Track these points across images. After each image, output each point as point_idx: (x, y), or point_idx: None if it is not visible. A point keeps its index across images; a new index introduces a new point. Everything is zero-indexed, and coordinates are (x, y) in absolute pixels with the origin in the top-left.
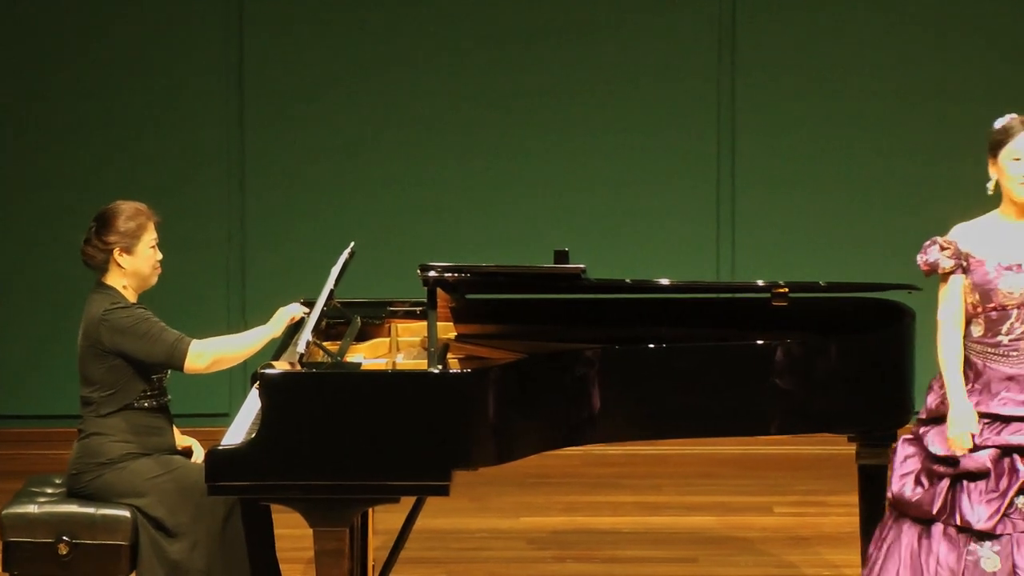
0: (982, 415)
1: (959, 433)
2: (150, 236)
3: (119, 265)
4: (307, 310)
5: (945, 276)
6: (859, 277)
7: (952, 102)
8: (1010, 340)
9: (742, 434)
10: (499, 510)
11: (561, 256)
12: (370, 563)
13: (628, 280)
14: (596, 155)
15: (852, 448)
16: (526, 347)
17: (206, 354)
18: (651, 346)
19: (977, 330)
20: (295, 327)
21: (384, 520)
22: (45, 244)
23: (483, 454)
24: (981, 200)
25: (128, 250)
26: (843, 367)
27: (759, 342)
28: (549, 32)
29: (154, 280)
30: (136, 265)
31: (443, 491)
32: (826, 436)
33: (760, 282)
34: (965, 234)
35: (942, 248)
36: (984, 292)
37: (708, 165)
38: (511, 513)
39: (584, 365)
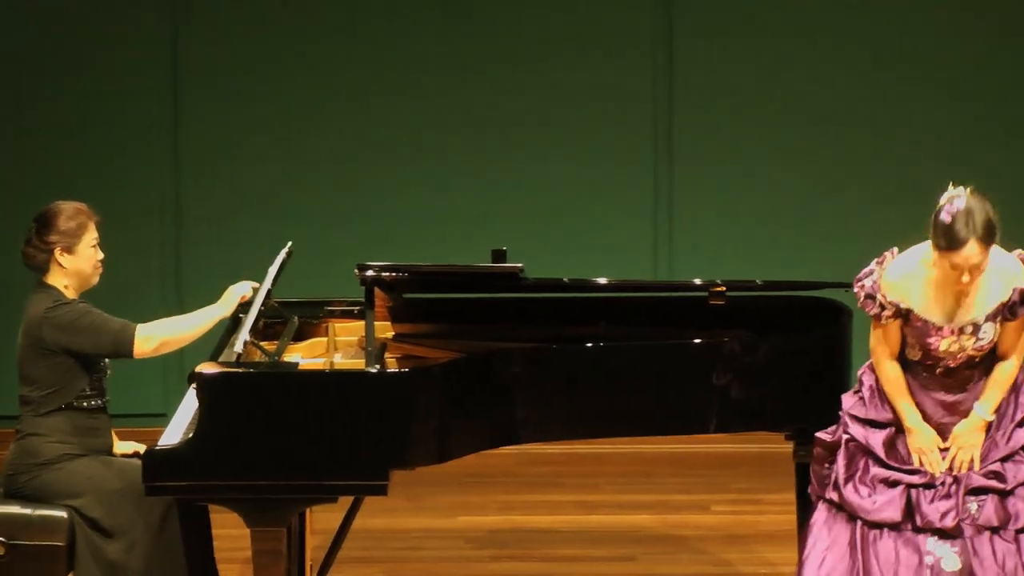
0: None
1: (931, 462)
2: (91, 235)
3: (60, 265)
4: (256, 285)
5: (885, 324)
6: (797, 276)
7: (880, 109)
8: (946, 369)
9: (680, 432)
10: (436, 509)
11: (499, 255)
12: (308, 563)
13: (566, 279)
14: (534, 155)
15: (789, 446)
16: (464, 346)
17: (154, 337)
18: (589, 345)
19: (914, 355)
20: (232, 327)
21: (322, 520)
22: None
23: (421, 453)
24: (902, 205)
25: (69, 249)
26: (781, 365)
27: (696, 340)
28: (489, 37)
29: (95, 280)
30: (77, 264)
31: (381, 491)
32: (763, 434)
33: (698, 281)
34: (903, 287)
35: (882, 306)
36: (924, 348)
37: (646, 166)
38: (448, 512)
39: (522, 364)
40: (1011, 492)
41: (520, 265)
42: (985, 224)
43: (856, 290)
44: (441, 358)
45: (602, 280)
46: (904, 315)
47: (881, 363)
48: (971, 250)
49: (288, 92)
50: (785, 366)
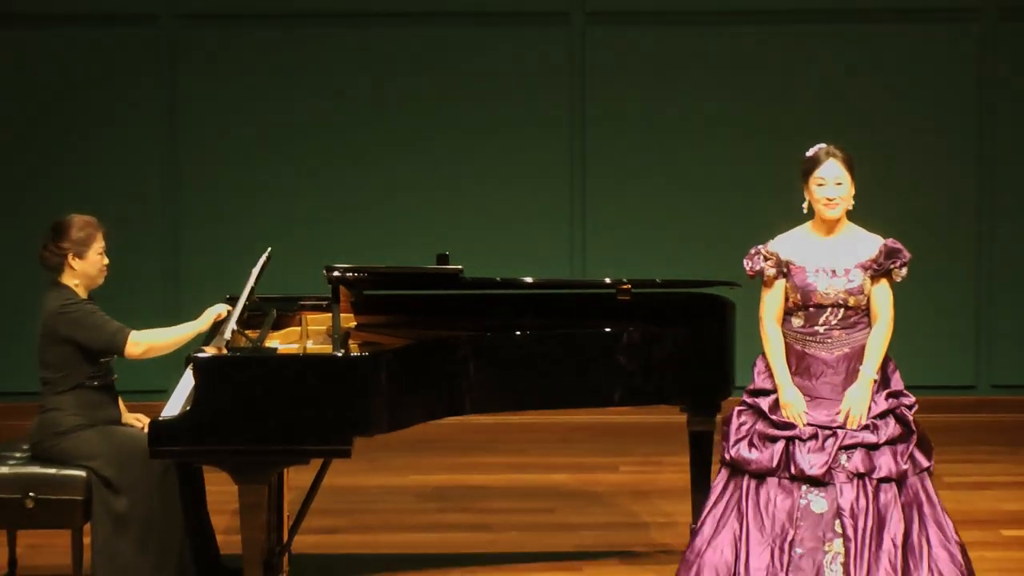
0: (810, 396)
1: (795, 414)
2: (99, 244)
3: (72, 268)
4: (230, 308)
5: (769, 281)
6: (690, 275)
7: (766, 123)
8: (825, 330)
9: (593, 406)
10: (391, 470)
11: (442, 258)
12: (285, 514)
13: (498, 279)
14: (472, 175)
15: (683, 418)
16: (414, 335)
17: (142, 343)
18: (517, 333)
19: (798, 322)
20: (221, 320)
21: (296, 479)
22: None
23: (378, 423)
24: (791, 210)
25: (80, 255)
26: (675, 351)
27: (607, 330)
28: (419, 49)
29: (101, 281)
30: (85, 268)
31: (345, 454)
32: (662, 408)
33: (607, 280)
34: (785, 245)
35: (765, 258)
36: (804, 292)
37: (563, 179)
38: (401, 472)
39: (462, 349)
40: (878, 447)
41: (460, 267)
42: (843, 150)
43: (745, 263)
44: (395, 344)
45: (528, 279)
46: (785, 269)
47: (765, 322)
48: (831, 165)
49: (283, 102)
50: (680, 351)
